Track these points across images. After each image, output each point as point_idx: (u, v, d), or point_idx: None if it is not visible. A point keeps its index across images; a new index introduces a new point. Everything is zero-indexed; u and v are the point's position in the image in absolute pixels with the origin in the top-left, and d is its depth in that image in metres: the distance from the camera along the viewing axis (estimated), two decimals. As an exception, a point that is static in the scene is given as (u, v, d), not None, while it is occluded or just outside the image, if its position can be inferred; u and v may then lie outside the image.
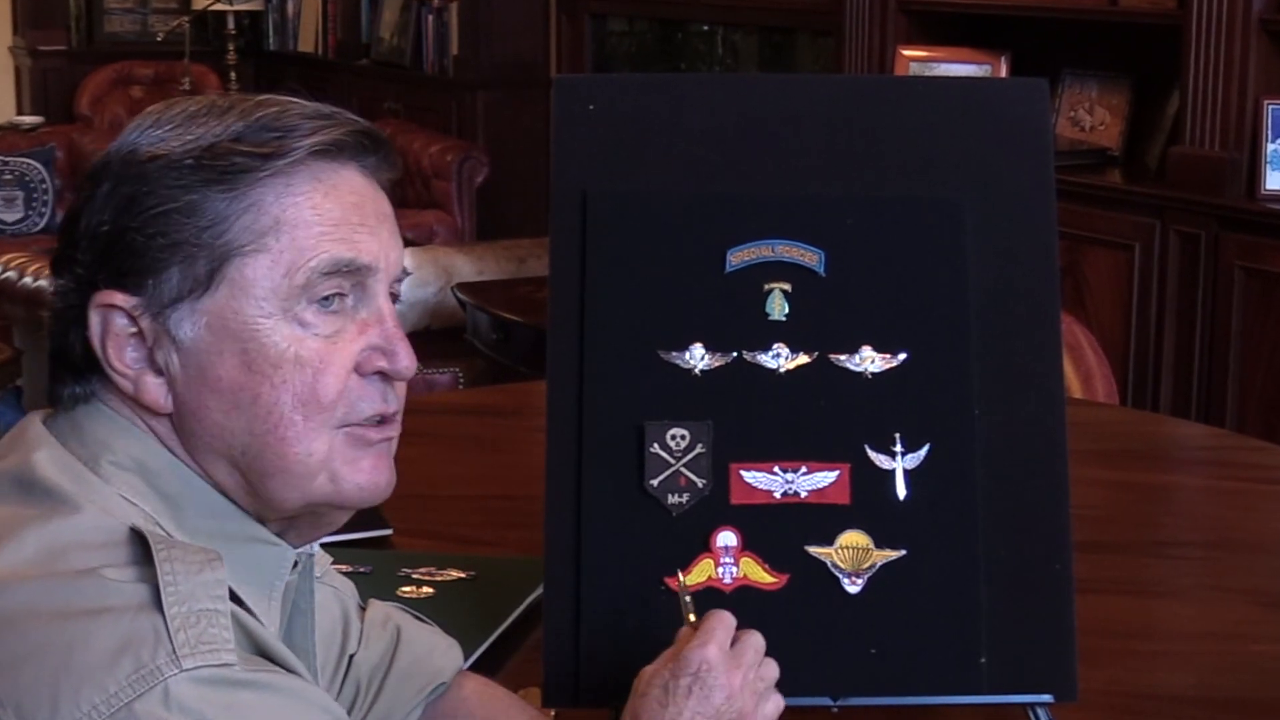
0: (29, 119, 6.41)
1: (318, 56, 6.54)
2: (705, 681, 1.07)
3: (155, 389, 0.95)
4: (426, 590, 1.52)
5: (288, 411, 0.94)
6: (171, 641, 0.84)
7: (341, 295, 0.95)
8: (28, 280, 3.42)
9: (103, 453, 0.94)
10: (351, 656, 1.18)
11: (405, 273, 1.01)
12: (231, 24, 6.59)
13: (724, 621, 1.11)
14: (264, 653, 0.90)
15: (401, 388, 1.00)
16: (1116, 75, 3.75)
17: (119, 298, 0.94)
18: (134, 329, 0.94)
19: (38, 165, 5.80)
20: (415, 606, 1.34)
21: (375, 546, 1.64)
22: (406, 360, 0.97)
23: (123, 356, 0.95)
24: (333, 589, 1.17)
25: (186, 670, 0.83)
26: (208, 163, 0.93)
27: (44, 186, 5.80)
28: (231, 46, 6.59)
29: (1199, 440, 2.37)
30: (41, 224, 5.74)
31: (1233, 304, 3.19)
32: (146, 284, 0.94)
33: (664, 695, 1.07)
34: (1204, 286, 3.24)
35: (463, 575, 1.56)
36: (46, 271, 3.40)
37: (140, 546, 0.88)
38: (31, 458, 0.93)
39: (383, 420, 0.98)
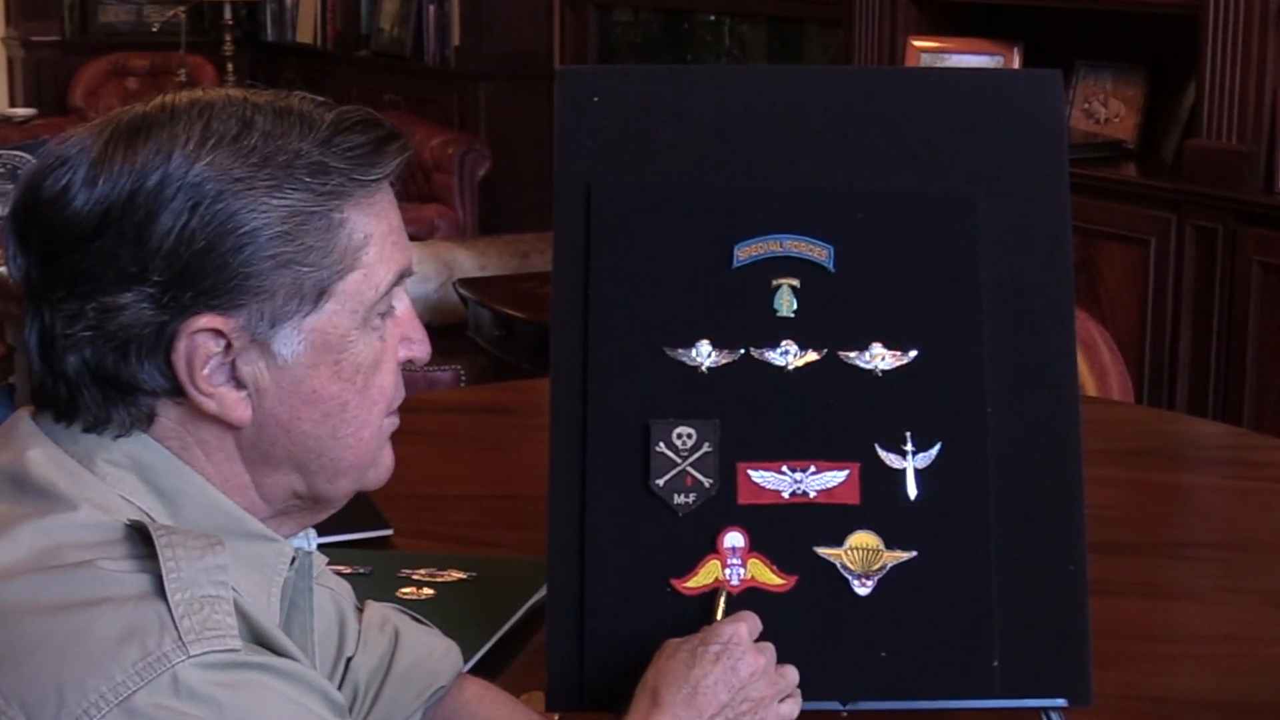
0: (22, 111, 6.36)
1: (316, 47, 6.52)
2: (733, 653, 1.11)
3: (240, 405, 0.94)
4: (427, 591, 1.51)
5: (367, 414, 0.98)
6: (177, 628, 0.84)
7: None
8: (21, 276, 3.41)
9: (97, 450, 0.93)
10: (349, 660, 1.17)
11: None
12: (228, 14, 6.56)
13: (754, 616, 1.16)
14: (264, 642, 0.90)
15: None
16: (1132, 66, 3.72)
17: (219, 321, 0.92)
18: (221, 348, 0.93)
19: (30, 159, 5.75)
20: (415, 608, 1.33)
21: (375, 547, 1.64)
22: (428, 346, 1.02)
23: (211, 378, 0.93)
24: (329, 590, 1.15)
25: (193, 656, 0.84)
26: (307, 180, 0.93)
27: None
28: (228, 37, 6.55)
29: (1215, 439, 2.36)
30: (34, 219, 5.73)
31: (1250, 300, 3.17)
32: (247, 305, 0.92)
33: (691, 658, 1.11)
34: (1221, 282, 3.21)
35: (464, 576, 1.55)
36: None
37: (138, 542, 0.88)
38: (25, 455, 0.92)
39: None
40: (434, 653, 1.21)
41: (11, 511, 0.90)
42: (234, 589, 0.88)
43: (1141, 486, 1.93)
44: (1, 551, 0.88)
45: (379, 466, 1.01)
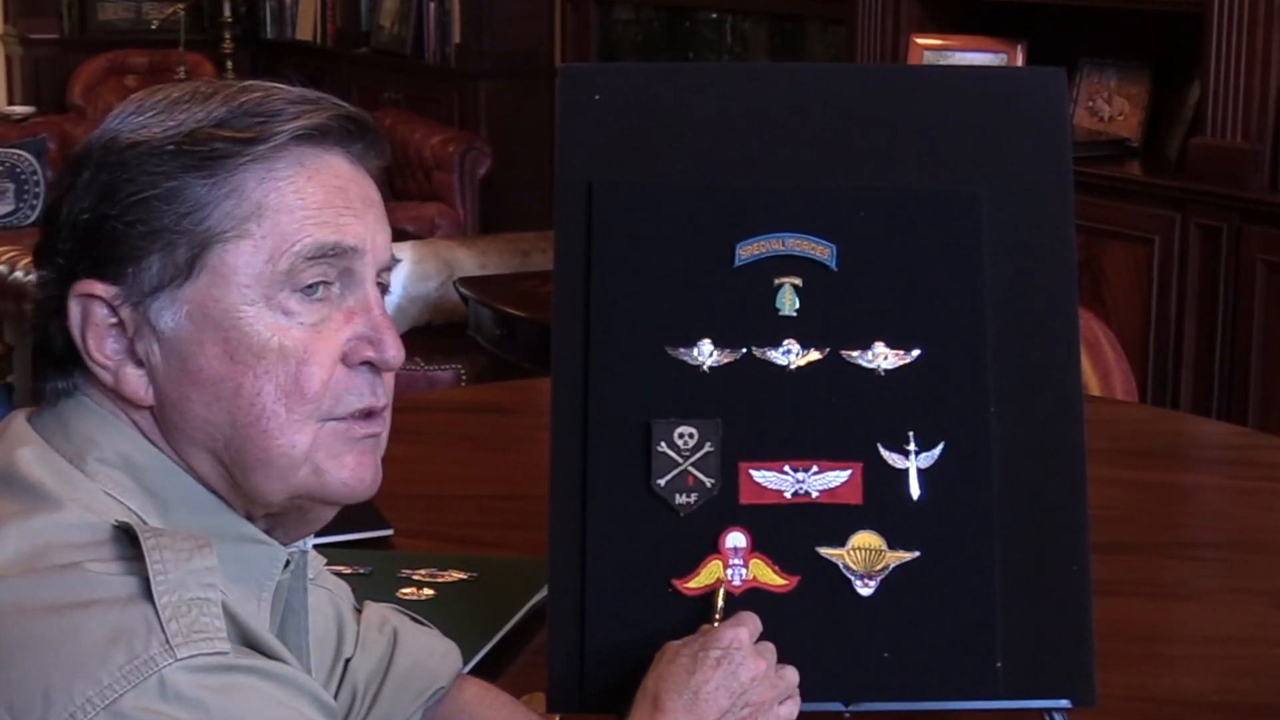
0: (20, 109, 6.33)
1: (316, 45, 6.50)
2: (734, 658, 1.10)
3: (136, 380, 0.93)
4: (427, 592, 1.51)
5: (270, 403, 0.92)
6: (164, 631, 0.83)
7: (327, 283, 0.94)
8: (19, 275, 3.40)
9: (89, 449, 0.93)
10: (347, 661, 1.16)
11: (394, 260, 1.00)
12: (228, 11, 6.54)
13: (755, 618, 1.15)
14: (253, 644, 0.88)
15: (390, 379, 0.98)
16: (1136, 64, 3.71)
17: (99, 287, 0.92)
18: (114, 319, 0.93)
19: (29, 157, 5.73)
20: (415, 608, 1.32)
21: (375, 547, 1.63)
22: (394, 350, 0.96)
23: (103, 347, 0.93)
24: (327, 591, 1.15)
25: (180, 660, 0.83)
26: (188, 148, 0.92)
27: (35, 178, 5.73)
28: (228, 35, 6.53)
29: (1220, 439, 2.35)
30: (33, 217, 5.66)
31: (1255, 299, 3.16)
32: (126, 273, 0.92)
33: (692, 663, 1.10)
34: (1225, 281, 3.20)
35: (464, 577, 1.54)
36: (37, 265, 3.39)
37: (125, 544, 0.87)
38: (14, 454, 0.92)
39: (369, 414, 0.96)
40: (433, 653, 1.21)
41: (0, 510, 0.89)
42: (223, 591, 0.87)
43: (1145, 486, 1.92)
44: None
45: (325, 475, 0.94)
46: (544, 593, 1.35)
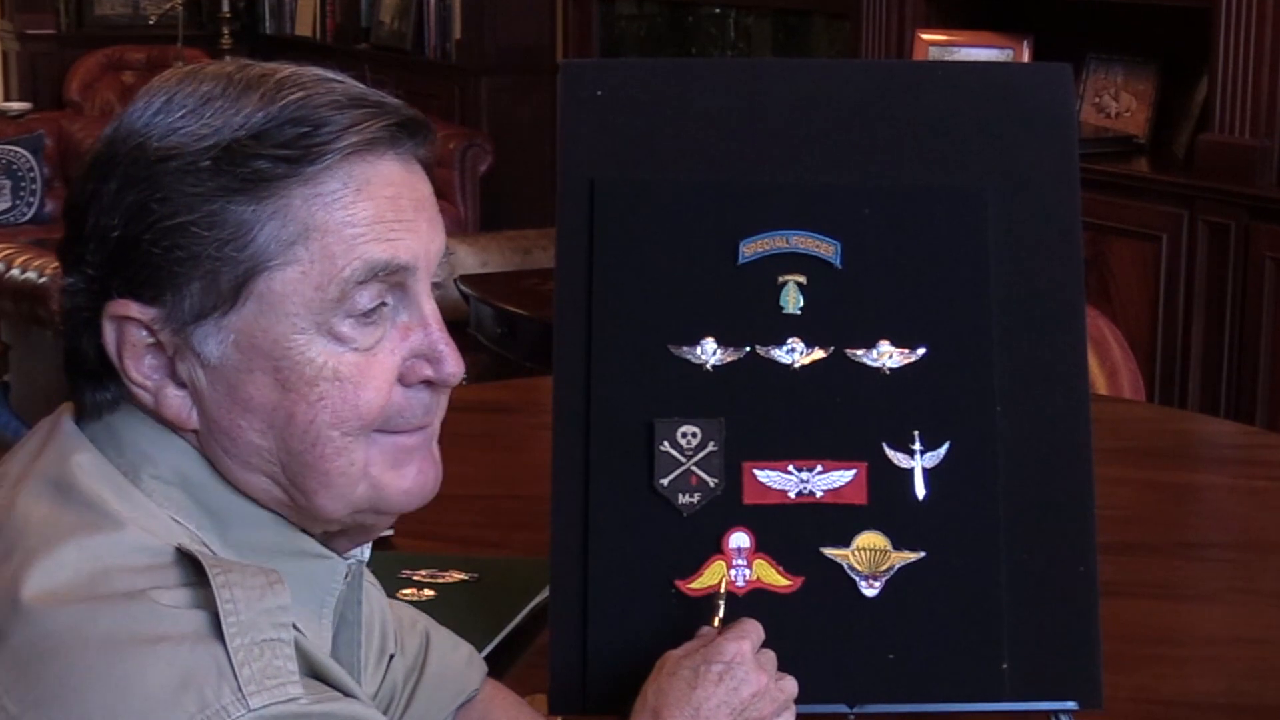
0: (16, 105, 6.30)
1: (316, 41, 6.48)
2: (736, 674, 1.09)
3: (178, 403, 0.88)
4: (428, 593, 1.50)
5: (325, 430, 0.88)
6: (236, 678, 0.80)
7: (381, 304, 0.89)
8: (15, 272, 3.39)
9: (143, 464, 0.88)
10: (391, 658, 1.14)
11: (448, 252, 0.95)
12: (226, 6, 6.53)
13: (758, 626, 1.13)
14: (318, 674, 0.85)
15: (446, 395, 0.94)
16: (1143, 60, 3.70)
17: (135, 309, 0.87)
18: (152, 340, 0.88)
19: (26, 153, 5.70)
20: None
21: (375, 547, 1.61)
22: (453, 366, 0.91)
23: (141, 367, 0.88)
24: (373, 587, 1.10)
25: (254, 710, 0.79)
26: (227, 168, 0.85)
27: (32, 175, 5.70)
28: (226, 30, 6.51)
29: (1228, 438, 2.35)
30: (30, 214, 5.64)
31: (1263, 297, 3.15)
32: (165, 297, 0.87)
33: (694, 677, 1.08)
34: (1234, 279, 3.20)
35: (465, 577, 1.54)
36: (36, 263, 3.37)
37: (189, 570, 0.83)
38: (70, 461, 0.88)
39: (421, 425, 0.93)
40: (460, 656, 1.20)
41: (57, 519, 0.85)
42: (296, 627, 0.84)
43: (1153, 486, 1.91)
44: (44, 572, 0.83)
45: (385, 489, 0.91)
46: (545, 594, 1.35)
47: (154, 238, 0.86)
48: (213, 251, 0.85)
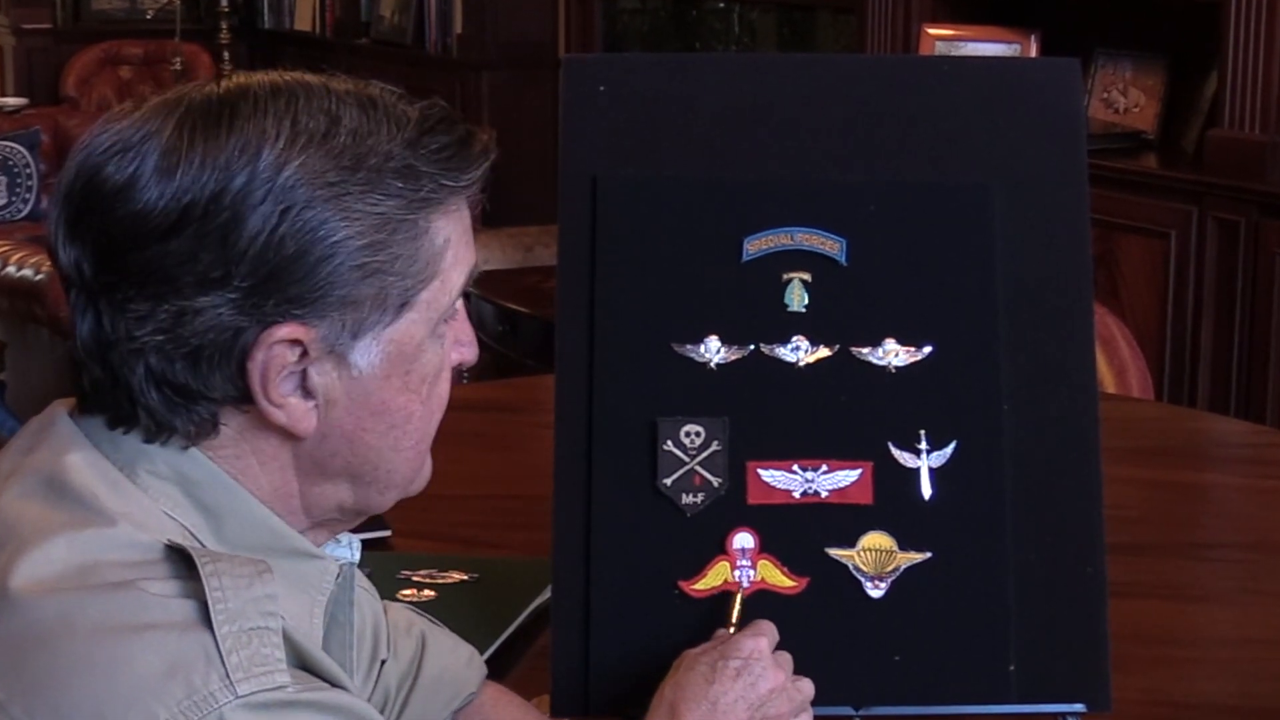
0: (13, 100, 6.26)
1: (315, 35, 6.45)
2: (753, 670, 1.09)
3: (307, 416, 0.90)
4: (428, 593, 1.50)
5: (431, 425, 0.95)
6: (224, 664, 0.81)
7: None
8: (11, 269, 3.38)
9: (140, 460, 0.88)
10: (382, 663, 1.14)
11: None
12: (225, 1, 6.51)
13: (773, 627, 1.14)
14: (308, 666, 0.86)
15: None
16: (1152, 55, 3.69)
17: (300, 331, 0.87)
18: (300, 359, 0.88)
19: (21, 149, 5.64)
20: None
21: (374, 548, 1.61)
22: (477, 347, 0.99)
23: (281, 388, 0.88)
24: (366, 592, 1.12)
25: (242, 697, 0.80)
26: (402, 188, 0.89)
27: (28, 171, 5.63)
28: (225, 25, 6.46)
29: (1238, 437, 2.34)
30: (26, 210, 5.58)
31: (1273, 294, 3.14)
32: (331, 316, 0.88)
33: (711, 672, 1.09)
34: (1243, 276, 3.19)
35: (465, 578, 1.53)
36: (32, 260, 3.36)
37: (179, 564, 0.84)
38: (64, 459, 0.88)
39: None
40: (459, 658, 1.20)
41: (47, 517, 0.86)
42: (282, 616, 0.84)
43: (1162, 486, 1.91)
44: (33, 564, 0.83)
45: (422, 476, 0.98)
46: (547, 594, 1.34)
47: (323, 255, 0.86)
48: (384, 268, 0.89)
